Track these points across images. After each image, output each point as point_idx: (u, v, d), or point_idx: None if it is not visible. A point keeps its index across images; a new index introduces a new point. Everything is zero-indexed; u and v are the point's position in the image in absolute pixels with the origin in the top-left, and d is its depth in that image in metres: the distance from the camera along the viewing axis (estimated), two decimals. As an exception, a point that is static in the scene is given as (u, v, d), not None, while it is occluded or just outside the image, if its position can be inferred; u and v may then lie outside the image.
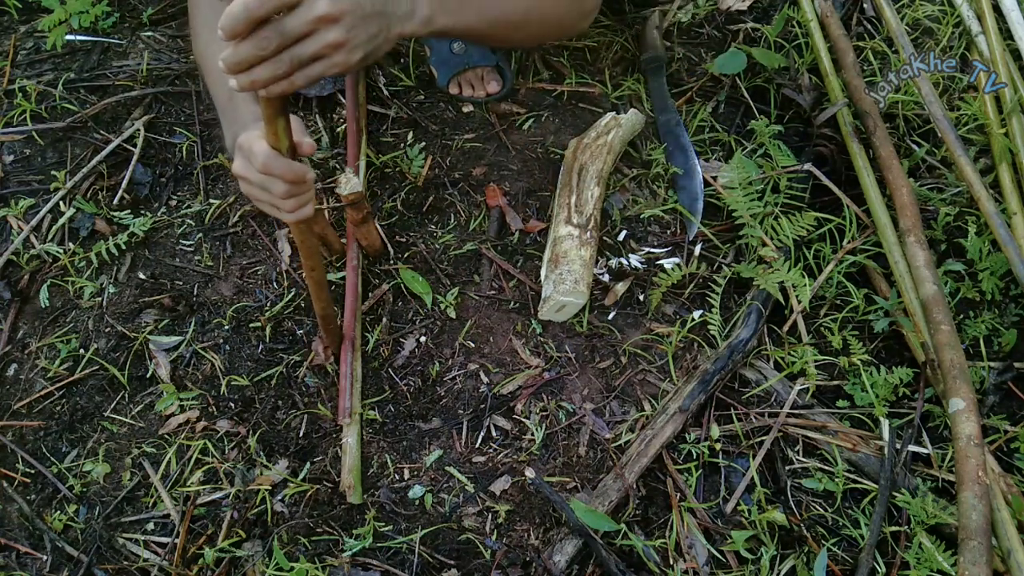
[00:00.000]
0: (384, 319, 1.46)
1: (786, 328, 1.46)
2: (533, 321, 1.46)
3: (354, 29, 0.84)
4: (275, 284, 1.51)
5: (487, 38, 1.11)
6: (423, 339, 1.45)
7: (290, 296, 1.49)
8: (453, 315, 1.47)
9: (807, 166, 1.54)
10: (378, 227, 1.53)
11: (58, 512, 1.32)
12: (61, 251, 1.54)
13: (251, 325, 1.47)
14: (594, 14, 1.18)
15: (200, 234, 1.57)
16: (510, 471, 1.33)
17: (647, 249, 1.54)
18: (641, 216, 1.57)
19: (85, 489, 1.34)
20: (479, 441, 1.37)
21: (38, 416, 1.41)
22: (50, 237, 1.57)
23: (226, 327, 1.47)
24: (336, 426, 1.38)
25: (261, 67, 0.79)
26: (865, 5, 1.83)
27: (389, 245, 1.53)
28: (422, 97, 1.71)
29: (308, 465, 1.35)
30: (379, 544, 1.28)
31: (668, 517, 1.29)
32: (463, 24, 1.01)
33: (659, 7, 1.81)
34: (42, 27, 1.73)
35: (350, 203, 1.32)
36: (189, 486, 1.33)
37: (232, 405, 1.40)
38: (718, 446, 1.34)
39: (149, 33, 1.83)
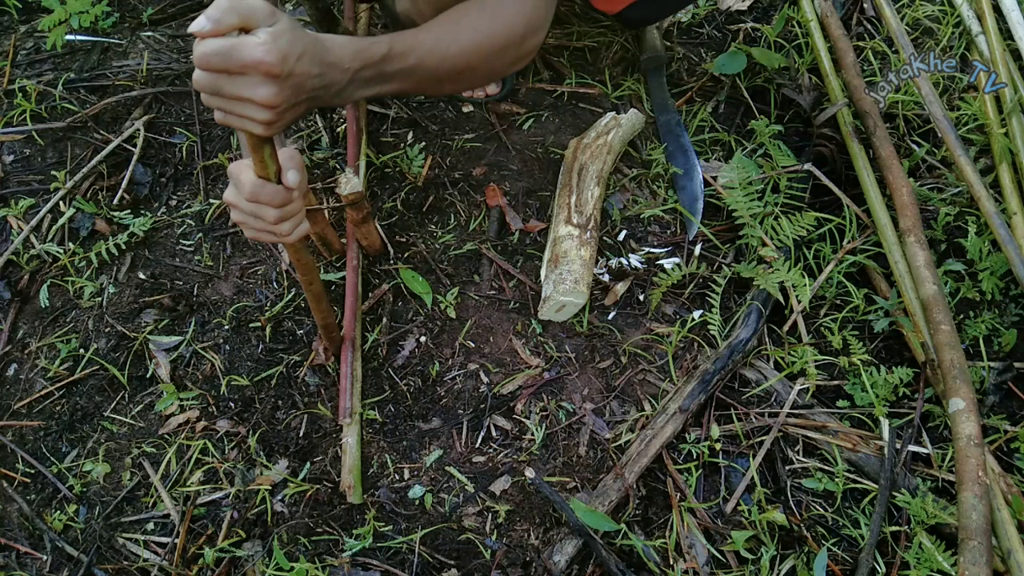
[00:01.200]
0: (384, 319, 1.46)
1: (786, 328, 1.46)
2: (533, 321, 1.46)
3: (283, 114, 0.84)
4: (275, 284, 1.51)
5: (418, 93, 1.10)
6: (423, 339, 1.45)
7: (290, 296, 1.49)
8: (453, 315, 1.47)
9: (807, 166, 1.54)
10: (378, 227, 1.53)
11: (58, 512, 1.32)
12: (61, 251, 1.54)
13: (251, 325, 1.47)
14: (533, 54, 1.17)
15: (200, 234, 1.57)
16: (510, 471, 1.33)
17: (647, 249, 1.54)
18: (641, 216, 1.57)
19: (85, 489, 1.34)
20: (479, 441, 1.37)
21: (38, 416, 1.41)
22: (50, 237, 1.57)
23: (226, 327, 1.47)
24: (336, 426, 1.38)
25: (198, 74, 0.80)
26: (865, 5, 1.83)
27: (389, 245, 1.53)
28: (422, 97, 1.71)
29: (308, 465, 1.35)
30: (379, 544, 1.28)
31: (668, 517, 1.29)
32: (387, 92, 1.02)
33: (659, 7, 1.81)
34: (42, 27, 1.73)
35: (350, 203, 1.32)
36: (189, 486, 1.33)
37: (232, 405, 1.40)
38: (718, 446, 1.34)
39: (149, 33, 1.83)
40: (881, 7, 1.75)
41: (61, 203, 1.60)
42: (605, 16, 1.78)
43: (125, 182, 1.61)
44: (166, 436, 1.38)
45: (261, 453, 1.35)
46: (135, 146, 1.65)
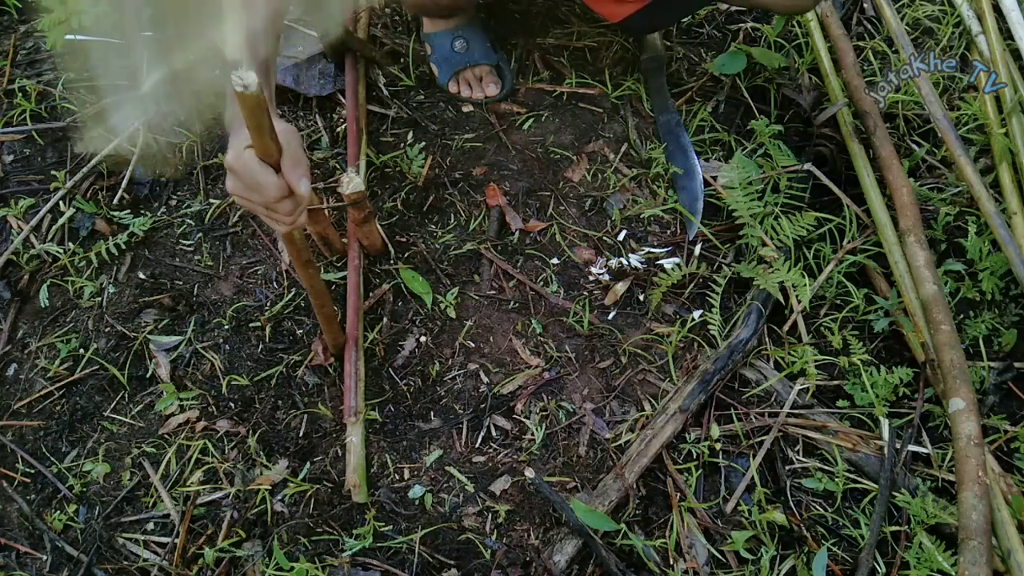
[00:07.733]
0: (384, 319, 1.46)
1: (786, 328, 1.46)
2: (533, 321, 1.46)
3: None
4: (275, 284, 1.51)
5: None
6: (423, 339, 1.45)
7: (290, 296, 1.49)
8: (453, 315, 1.47)
9: (807, 166, 1.55)
10: (379, 227, 1.53)
11: (58, 512, 1.32)
12: (61, 251, 1.54)
13: (251, 325, 1.47)
14: None
15: (200, 234, 1.57)
16: (510, 471, 1.33)
17: (647, 249, 1.54)
18: (641, 216, 1.57)
19: (85, 489, 1.34)
20: (479, 441, 1.37)
21: (38, 416, 1.41)
22: (50, 237, 1.57)
23: (226, 327, 1.47)
24: (336, 426, 1.38)
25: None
26: (865, 5, 1.83)
27: (390, 245, 1.53)
28: (422, 97, 1.71)
29: (308, 465, 1.35)
30: (379, 544, 1.28)
31: (668, 517, 1.29)
32: None
33: (659, 7, 1.81)
34: (42, 27, 1.72)
35: (352, 203, 1.32)
36: (189, 486, 1.33)
37: (232, 405, 1.40)
38: (718, 446, 1.34)
39: (149, 33, 1.83)
40: (881, 7, 1.75)
41: (61, 203, 1.60)
42: (607, 23, 1.78)
43: (125, 182, 1.61)
44: (166, 436, 1.38)
45: (261, 453, 1.35)
46: (135, 146, 1.64)
